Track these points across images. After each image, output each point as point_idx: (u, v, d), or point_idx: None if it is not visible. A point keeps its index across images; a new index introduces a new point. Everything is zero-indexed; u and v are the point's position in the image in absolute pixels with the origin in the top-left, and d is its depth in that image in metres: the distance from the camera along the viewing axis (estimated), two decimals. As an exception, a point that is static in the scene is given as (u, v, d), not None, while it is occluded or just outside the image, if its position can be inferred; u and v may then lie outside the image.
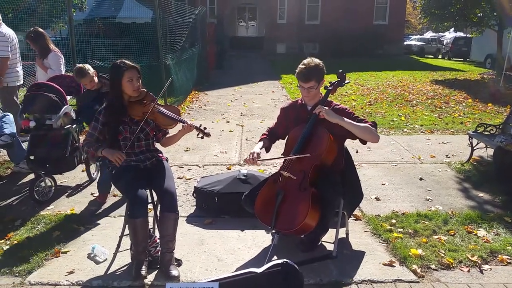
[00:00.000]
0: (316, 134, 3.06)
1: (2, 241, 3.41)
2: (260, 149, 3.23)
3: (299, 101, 3.33)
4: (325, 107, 3.03)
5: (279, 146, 3.57)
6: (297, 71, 3.13)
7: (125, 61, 2.99)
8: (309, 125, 3.08)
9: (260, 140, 3.38)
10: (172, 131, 3.20)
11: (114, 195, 4.31)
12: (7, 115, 4.60)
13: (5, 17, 5.98)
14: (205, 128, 3.03)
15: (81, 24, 11.04)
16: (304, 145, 3.05)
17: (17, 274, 2.94)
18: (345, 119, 3.03)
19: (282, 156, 3.26)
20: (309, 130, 3.07)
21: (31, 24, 5.98)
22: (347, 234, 3.53)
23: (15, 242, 3.40)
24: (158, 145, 3.30)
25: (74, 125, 4.42)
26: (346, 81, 3.37)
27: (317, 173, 3.02)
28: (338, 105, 3.21)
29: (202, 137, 3.05)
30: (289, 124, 3.32)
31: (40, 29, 5.22)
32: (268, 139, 3.40)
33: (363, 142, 3.19)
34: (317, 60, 3.13)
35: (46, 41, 5.21)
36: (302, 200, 2.89)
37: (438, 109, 9.24)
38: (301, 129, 3.12)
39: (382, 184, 4.72)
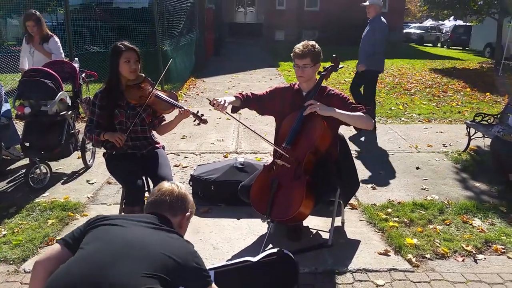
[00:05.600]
0: (310, 121, 3.00)
1: (-3, 228, 3.41)
2: (230, 103, 3.03)
3: (295, 86, 3.25)
4: (317, 103, 2.94)
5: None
6: (293, 50, 3.09)
7: (125, 42, 2.99)
8: (302, 114, 3.00)
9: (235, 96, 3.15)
10: (168, 118, 3.18)
11: (109, 183, 4.30)
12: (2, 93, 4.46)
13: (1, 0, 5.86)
14: (202, 115, 3.01)
15: (77, 9, 10.87)
16: (297, 134, 3.00)
17: (11, 262, 2.93)
18: (338, 110, 2.95)
19: (260, 136, 3.07)
20: (302, 119, 3.00)
21: (27, 8, 5.85)
22: (342, 223, 3.54)
23: (10, 229, 3.39)
24: (154, 134, 3.29)
25: (70, 112, 4.39)
26: (340, 66, 3.32)
27: (312, 161, 3.00)
28: (333, 91, 3.16)
29: (198, 124, 3.02)
30: (284, 106, 3.20)
31: (38, 13, 5.13)
32: (242, 100, 3.18)
33: (357, 129, 3.16)
34: (313, 42, 3.11)
35: (45, 25, 5.14)
36: (296, 189, 2.87)
37: (436, 98, 9.21)
38: (294, 116, 3.05)
39: (379, 173, 4.72)
